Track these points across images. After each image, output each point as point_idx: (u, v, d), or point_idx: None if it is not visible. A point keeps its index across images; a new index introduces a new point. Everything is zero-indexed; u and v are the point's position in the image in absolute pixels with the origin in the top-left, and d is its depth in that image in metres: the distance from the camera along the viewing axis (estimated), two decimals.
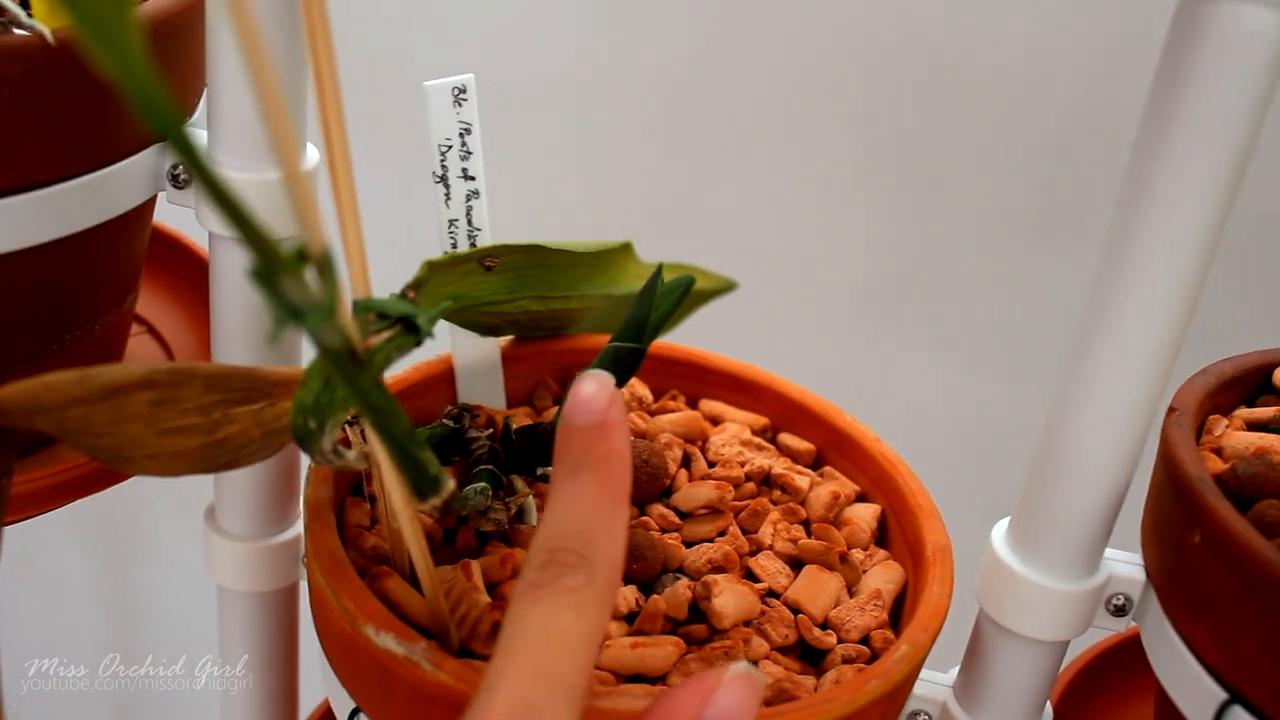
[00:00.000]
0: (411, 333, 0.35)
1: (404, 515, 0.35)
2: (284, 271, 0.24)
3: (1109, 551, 0.41)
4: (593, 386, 0.32)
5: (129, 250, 0.47)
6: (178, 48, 0.43)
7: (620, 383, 0.41)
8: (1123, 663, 0.51)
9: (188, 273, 0.57)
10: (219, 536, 0.49)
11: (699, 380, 0.52)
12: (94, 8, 0.20)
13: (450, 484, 0.34)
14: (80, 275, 0.44)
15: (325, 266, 0.26)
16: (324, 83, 0.30)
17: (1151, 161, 0.34)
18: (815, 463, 0.50)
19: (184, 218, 0.50)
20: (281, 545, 0.49)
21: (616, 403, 0.32)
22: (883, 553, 0.46)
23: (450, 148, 0.45)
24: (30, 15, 0.43)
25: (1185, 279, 0.35)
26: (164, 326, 0.55)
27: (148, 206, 0.46)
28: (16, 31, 0.42)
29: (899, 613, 0.44)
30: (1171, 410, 0.42)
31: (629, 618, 0.41)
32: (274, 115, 0.24)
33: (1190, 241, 0.34)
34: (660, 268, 0.40)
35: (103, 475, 0.45)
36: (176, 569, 1.04)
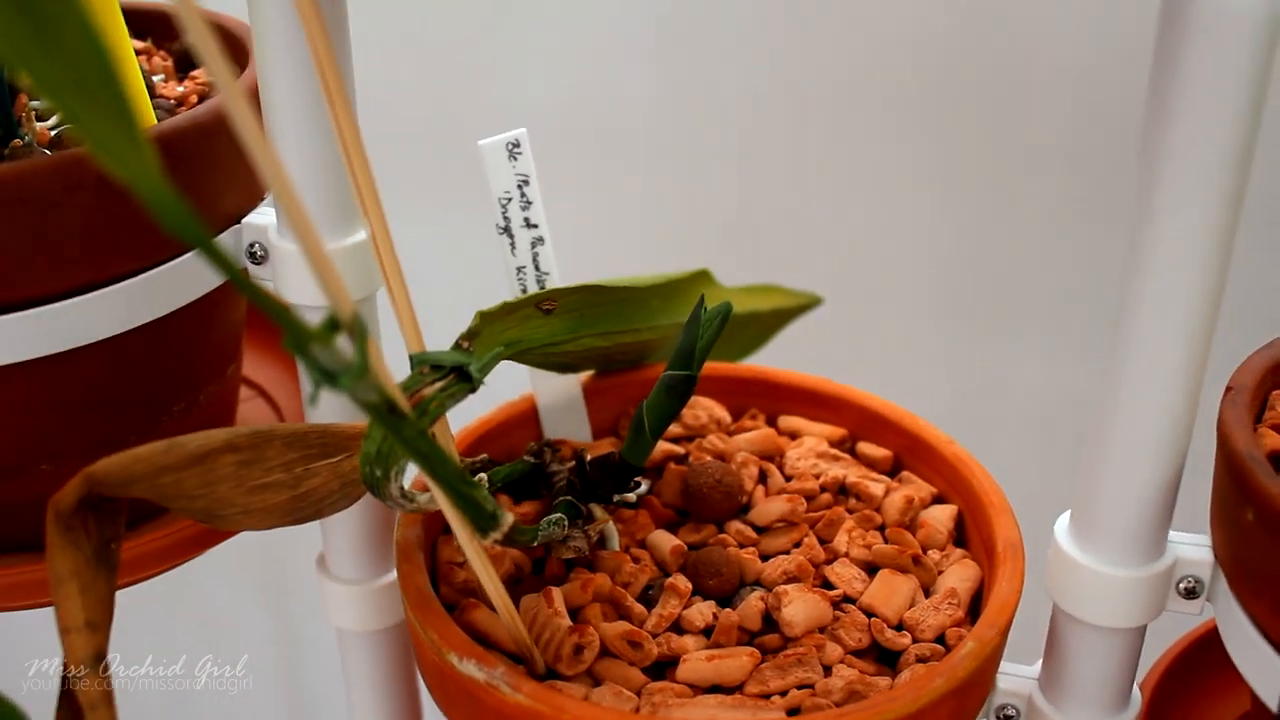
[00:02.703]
0: (464, 381, 0.37)
1: (469, 549, 0.37)
2: (313, 340, 0.27)
3: (1174, 534, 0.41)
4: None
5: (222, 323, 0.50)
6: (213, 154, 0.46)
7: (676, 409, 0.42)
8: (1216, 650, 0.50)
9: None
10: (331, 582, 0.52)
11: (776, 397, 0.53)
12: (107, 137, 0.22)
13: (509, 519, 0.36)
14: (178, 352, 0.47)
15: (355, 331, 0.28)
16: (352, 158, 0.33)
17: (1157, 145, 0.34)
18: (894, 468, 0.51)
19: None
20: (389, 585, 0.52)
21: None
22: (959, 552, 0.46)
23: (510, 199, 0.47)
24: None
25: (1205, 258, 0.35)
26: (274, 389, 0.58)
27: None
28: None
29: (979, 611, 0.44)
30: (1228, 389, 0.42)
31: (705, 631, 0.42)
32: (289, 207, 0.26)
33: (1206, 221, 0.34)
34: (702, 298, 0.42)
35: (207, 536, 0.48)
36: None
